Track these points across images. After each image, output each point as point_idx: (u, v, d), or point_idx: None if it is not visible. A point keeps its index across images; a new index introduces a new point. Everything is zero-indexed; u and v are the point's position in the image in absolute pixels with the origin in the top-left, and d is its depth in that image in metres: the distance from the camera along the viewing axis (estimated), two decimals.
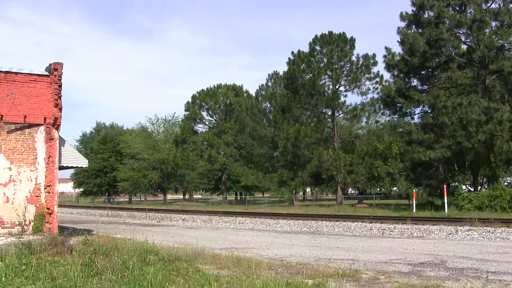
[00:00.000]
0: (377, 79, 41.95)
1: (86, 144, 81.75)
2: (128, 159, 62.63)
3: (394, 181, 37.76)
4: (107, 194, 73.62)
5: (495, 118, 27.65)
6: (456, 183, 34.47)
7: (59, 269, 8.37)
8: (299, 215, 28.16)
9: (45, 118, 14.90)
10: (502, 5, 29.75)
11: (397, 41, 32.43)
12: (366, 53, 41.79)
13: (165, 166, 60.76)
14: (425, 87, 33.14)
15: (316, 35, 42.39)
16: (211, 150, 55.08)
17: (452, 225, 19.55)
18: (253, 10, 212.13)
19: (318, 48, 42.61)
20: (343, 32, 42.22)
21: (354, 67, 42.14)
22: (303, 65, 42.62)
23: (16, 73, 14.67)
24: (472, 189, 32.83)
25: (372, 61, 41.90)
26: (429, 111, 32.69)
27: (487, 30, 29.36)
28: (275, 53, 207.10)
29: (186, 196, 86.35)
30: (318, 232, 20.40)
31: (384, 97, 34.65)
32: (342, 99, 42.81)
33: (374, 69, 42.08)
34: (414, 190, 29.30)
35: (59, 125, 15.11)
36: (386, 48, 33.70)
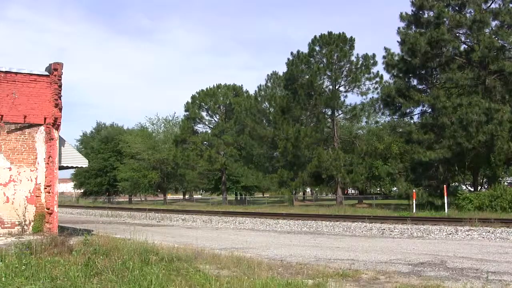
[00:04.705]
0: (377, 79, 41.97)
1: (86, 144, 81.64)
2: (128, 159, 62.63)
3: (394, 181, 37.80)
4: (107, 194, 73.55)
5: (495, 118, 27.63)
6: (457, 183, 34.45)
7: (59, 269, 8.37)
8: (299, 215, 28.15)
9: (45, 118, 14.90)
10: (502, 5, 29.75)
11: (397, 41, 32.50)
12: (366, 53, 41.89)
13: (165, 166, 60.76)
14: (425, 87, 33.16)
15: (315, 36, 42.47)
16: (211, 150, 55.08)
17: (452, 225, 19.55)
18: (253, 9, 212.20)
19: (317, 48, 42.64)
20: (343, 32, 42.26)
21: (353, 67, 42.15)
22: (303, 65, 42.66)
23: (16, 73, 14.66)
24: (472, 189, 32.82)
25: (372, 61, 41.93)
26: (429, 111, 32.71)
27: (487, 30, 29.37)
28: (275, 53, 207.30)
29: (186, 196, 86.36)
30: (318, 232, 20.40)
31: (384, 97, 34.66)
32: (342, 99, 42.95)
33: (374, 69, 42.17)
34: (414, 190, 29.28)
35: (59, 125, 15.10)
36: (385, 48, 33.81)
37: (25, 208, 14.56)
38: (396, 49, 38.34)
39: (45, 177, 14.84)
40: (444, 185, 28.08)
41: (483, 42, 28.36)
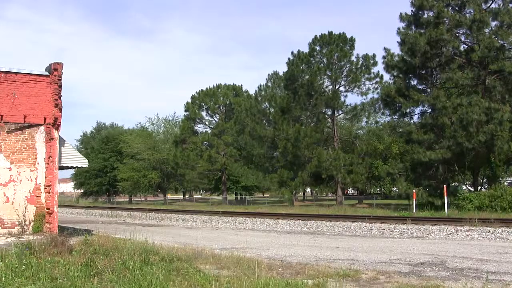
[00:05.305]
0: (377, 79, 42.03)
1: (86, 144, 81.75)
2: (128, 159, 62.67)
3: (394, 181, 37.76)
4: (107, 194, 73.56)
5: (495, 118, 27.63)
6: (457, 183, 34.43)
7: (59, 269, 8.38)
8: (299, 215, 28.15)
9: (45, 118, 14.90)
10: (501, 5, 29.73)
11: (397, 41, 32.49)
12: (366, 53, 41.92)
13: (165, 166, 60.79)
14: (425, 87, 33.16)
15: (315, 35, 42.50)
16: (211, 150, 55.07)
17: (452, 225, 19.54)
18: (253, 9, 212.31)
19: (318, 48, 42.64)
20: (343, 32, 42.29)
21: (354, 67, 42.16)
22: (303, 65, 42.66)
23: (16, 73, 14.67)
24: (472, 189, 32.84)
25: (372, 61, 41.95)
26: (429, 111, 32.72)
27: (487, 30, 29.36)
28: (275, 53, 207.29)
29: (186, 196, 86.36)
30: (318, 232, 20.40)
31: (384, 97, 34.67)
32: (342, 99, 42.98)
33: (374, 69, 42.22)
34: (414, 190, 29.28)
35: (59, 125, 15.11)
36: (385, 48, 33.85)
37: (25, 208, 14.56)
38: (396, 50, 38.39)
39: (45, 177, 14.85)
40: (444, 185, 28.07)
41: (483, 42, 28.36)
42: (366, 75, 42.19)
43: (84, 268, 8.28)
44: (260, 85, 54.64)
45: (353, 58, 42.05)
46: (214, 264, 9.72)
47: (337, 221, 23.82)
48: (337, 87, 43.10)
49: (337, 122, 44.60)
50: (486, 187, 33.34)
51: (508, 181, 45.50)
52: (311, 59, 42.69)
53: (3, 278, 7.66)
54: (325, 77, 42.83)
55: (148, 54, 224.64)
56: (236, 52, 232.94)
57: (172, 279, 7.71)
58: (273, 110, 48.70)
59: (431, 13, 30.85)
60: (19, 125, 14.67)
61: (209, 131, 59.26)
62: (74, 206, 59.13)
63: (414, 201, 28.87)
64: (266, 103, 52.61)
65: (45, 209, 14.74)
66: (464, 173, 34.01)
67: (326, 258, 11.75)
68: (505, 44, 29.22)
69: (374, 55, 41.75)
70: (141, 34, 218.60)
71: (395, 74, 34.09)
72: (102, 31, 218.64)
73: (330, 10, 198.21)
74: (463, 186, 35.17)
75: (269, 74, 57.10)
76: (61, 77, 15.09)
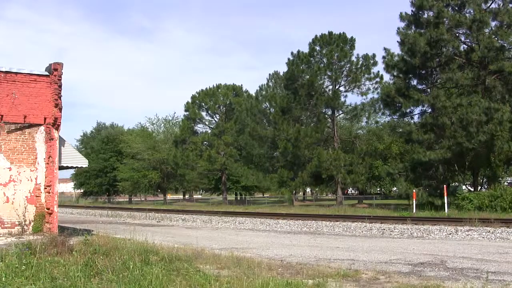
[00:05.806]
0: (377, 79, 42.00)
1: (86, 144, 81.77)
2: (128, 159, 62.67)
3: (394, 181, 37.77)
4: (107, 194, 73.60)
5: (495, 118, 27.63)
6: (457, 183, 34.45)
7: (59, 269, 8.37)
8: (299, 215, 28.15)
9: (45, 118, 14.89)
10: (501, 5, 29.74)
11: (397, 41, 32.50)
12: (366, 53, 41.88)
13: (165, 166, 60.78)
14: (425, 87, 33.17)
15: (316, 35, 42.49)
16: (211, 150, 55.06)
17: (452, 225, 19.54)
18: (253, 9, 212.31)
19: (318, 48, 42.62)
20: (343, 32, 42.26)
21: (354, 67, 42.13)
22: (303, 65, 42.64)
23: (16, 73, 14.66)
24: (472, 189, 32.84)
25: (372, 61, 41.92)
26: (429, 111, 32.72)
27: (486, 30, 29.36)
28: (275, 53, 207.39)
29: (186, 196, 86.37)
30: (318, 232, 20.39)
31: (384, 97, 34.67)
32: (342, 99, 42.97)
33: (374, 69, 42.18)
34: (414, 190, 29.28)
35: (59, 125, 15.10)
36: (385, 49, 33.88)
37: (25, 208, 14.56)
38: (396, 50, 38.39)
39: (45, 177, 14.84)
40: (444, 185, 28.07)
41: (483, 42, 28.36)
42: (366, 75, 42.19)
43: (84, 268, 8.28)
44: (261, 85, 54.66)
45: (353, 58, 42.08)
46: (214, 264, 9.72)
47: (337, 221, 23.83)
48: (337, 87, 43.10)
49: (337, 122, 44.59)
50: (486, 187, 33.33)
51: (508, 181, 45.46)
52: (311, 59, 42.67)
53: (3, 278, 7.66)
54: (325, 77, 42.80)
55: (148, 54, 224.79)
56: (236, 52, 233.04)
57: (172, 279, 7.71)
58: (273, 110, 48.66)
59: (431, 13, 30.85)
60: (19, 125, 14.67)
61: (209, 131, 59.23)
62: (74, 206, 59.13)
63: (414, 201, 28.86)
64: (267, 103, 52.57)
65: (45, 209, 14.73)
66: (464, 173, 34.01)
67: (326, 258, 11.75)
68: (505, 44, 29.23)
69: (374, 55, 41.79)
70: (141, 34, 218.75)
71: (395, 74, 34.10)
72: (102, 31, 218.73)
73: (330, 10, 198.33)
74: (463, 186, 35.19)
75: (270, 74, 57.09)
76: (61, 77, 15.08)
